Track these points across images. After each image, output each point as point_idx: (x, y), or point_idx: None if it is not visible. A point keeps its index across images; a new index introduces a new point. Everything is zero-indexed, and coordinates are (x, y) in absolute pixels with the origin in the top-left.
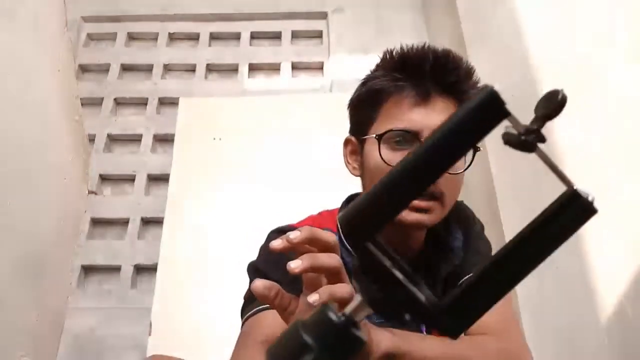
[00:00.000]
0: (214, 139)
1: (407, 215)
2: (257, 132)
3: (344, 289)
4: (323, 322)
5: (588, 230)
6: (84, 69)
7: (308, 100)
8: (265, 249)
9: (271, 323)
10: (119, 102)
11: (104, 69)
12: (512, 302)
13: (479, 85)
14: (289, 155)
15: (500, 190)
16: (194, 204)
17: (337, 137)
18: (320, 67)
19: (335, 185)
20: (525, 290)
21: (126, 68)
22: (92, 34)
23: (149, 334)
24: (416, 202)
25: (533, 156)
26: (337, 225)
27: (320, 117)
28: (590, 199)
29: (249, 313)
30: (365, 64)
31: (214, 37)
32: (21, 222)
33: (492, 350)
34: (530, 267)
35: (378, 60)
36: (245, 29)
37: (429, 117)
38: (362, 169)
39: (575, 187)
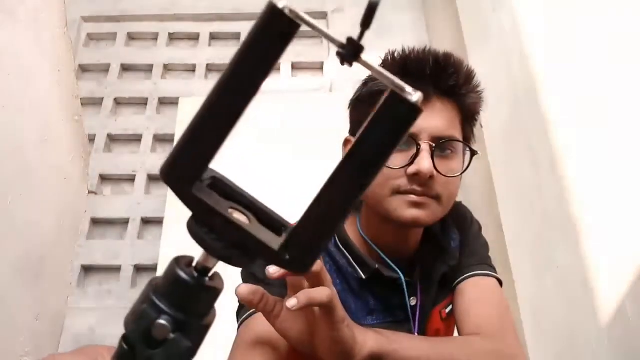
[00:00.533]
0: None
1: (405, 212)
2: (257, 132)
3: (323, 292)
4: (174, 281)
5: (588, 230)
6: (84, 69)
7: (308, 100)
8: None
9: (264, 324)
10: (119, 102)
11: (104, 69)
12: (512, 302)
13: (479, 88)
14: (288, 155)
15: (500, 191)
16: None
17: (336, 137)
18: (320, 67)
19: None
20: (525, 290)
21: (126, 68)
22: (92, 34)
23: None
24: (413, 197)
25: (533, 156)
26: None
27: (320, 117)
28: (413, 99)
29: (243, 317)
30: None
31: (214, 37)
32: (21, 222)
33: (483, 351)
34: (364, 180)
35: (379, 61)
36: (245, 29)
37: (429, 119)
38: None
39: (397, 89)
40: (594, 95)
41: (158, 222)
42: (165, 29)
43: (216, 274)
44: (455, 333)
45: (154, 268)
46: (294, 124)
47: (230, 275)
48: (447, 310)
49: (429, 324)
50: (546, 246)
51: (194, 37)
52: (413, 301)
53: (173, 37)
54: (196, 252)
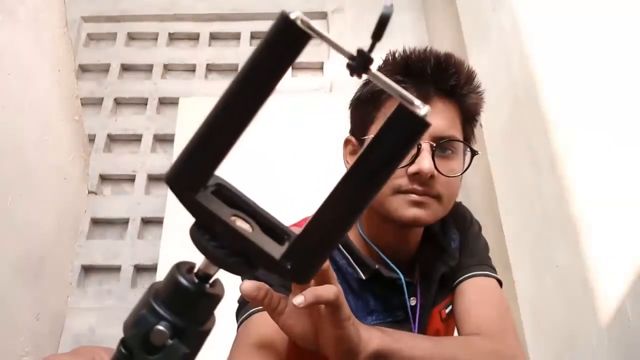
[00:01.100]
0: None
1: (405, 211)
2: (256, 132)
3: (330, 290)
4: (174, 287)
5: (588, 230)
6: (84, 69)
7: (308, 100)
8: None
9: (263, 325)
10: (119, 102)
11: (104, 69)
12: (512, 302)
13: (480, 89)
14: (288, 155)
15: (500, 191)
16: None
17: (336, 137)
18: (320, 67)
19: None
20: (525, 290)
21: (126, 68)
22: (92, 34)
23: None
24: (414, 197)
25: (533, 157)
26: None
27: (320, 117)
28: (422, 112)
29: (243, 316)
30: None
31: (214, 37)
32: (21, 222)
33: (484, 351)
34: (370, 191)
35: (380, 61)
36: (245, 29)
37: (430, 119)
38: None
39: (405, 103)
40: (594, 95)
41: (158, 222)
42: (165, 29)
43: (217, 281)
44: (455, 333)
45: (154, 268)
46: (294, 124)
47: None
48: (447, 310)
49: (428, 324)
50: (546, 246)
51: (194, 37)
52: (413, 301)
53: (173, 37)
54: (196, 252)
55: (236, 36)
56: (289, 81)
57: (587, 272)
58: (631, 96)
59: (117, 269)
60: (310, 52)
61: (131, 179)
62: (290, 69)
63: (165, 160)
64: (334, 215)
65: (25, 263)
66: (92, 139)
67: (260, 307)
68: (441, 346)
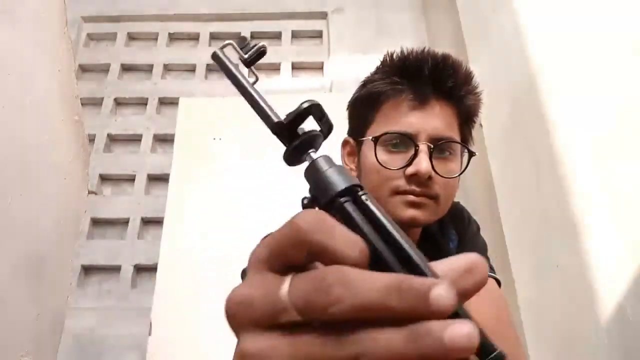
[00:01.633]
0: (214, 139)
1: (403, 212)
2: (257, 132)
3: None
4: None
5: (588, 230)
6: (84, 69)
7: None
8: None
9: None
10: (119, 102)
11: (104, 69)
12: (512, 302)
13: (477, 90)
14: None
15: (500, 191)
16: (194, 204)
17: (336, 137)
18: (320, 67)
19: None
20: (525, 290)
21: (126, 68)
22: (92, 34)
23: (149, 334)
24: (411, 198)
25: (533, 157)
26: None
27: None
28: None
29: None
30: (365, 64)
31: (214, 37)
32: (21, 222)
33: None
34: None
35: (378, 62)
36: (245, 29)
37: (426, 120)
38: (359, 170)
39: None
40: (594, 95)
41: (158, 222)
42: (165, 29)
43: None
44: None
45: (154, 268)
46: None
47: (230, 275)
48: None
49: None
50: (546, 246)
51: (194, 37)
52: None
53: (173, 37)
54: (196, 252)
55: (236, 36)
56: (289, 81)
57: (587, 272)
58: (631, 96)
59: (117, 269)
60: (310, 52)
61: (131, 179)
62: (290, 69)
63: (165, 160)
64: None
65: (25, 263)
66: (92, 139)
67: None
68: None
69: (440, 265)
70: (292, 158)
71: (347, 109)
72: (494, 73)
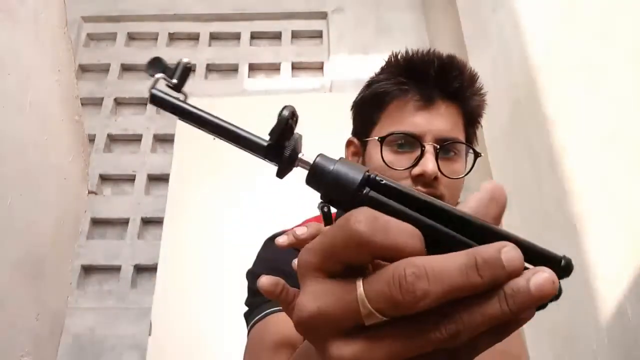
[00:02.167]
0: (214, 139)
1: None
2: (257, 132)
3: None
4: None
5: (588, 230)
6: (84, 69)
7: (308, 100)
8: (261, 256)
9: (284, 324)
10: (119, 102)
11: (104, 69)
12: None
13: (482, 91)
14: None
15: None
16: (194, 204)
17: (337, 137)
18: (320, 67)
19: None
20: None
21: (126, 68)
22: (92, 34)
23: (149, 334)
24: None
25: (533, 157)
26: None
27: (320, 117)
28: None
29: (257, 318)
30: (365, 64)
31: (214, 37)
32: (21, 222)
33: (490, 351)
34: None
35: (378, 62)
36: (245, 29)
37: (432, 121)
38: None
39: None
40: (594, 95)
41: (158, 222)
42: (165, 29)
43: None
44: None
45: (154, 268)
46: None
47: (230, 275)
48: None
49: None
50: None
51: (194, 37)
52: None
53: (173, 37)
54: (196, 252)
55: (236, 36)
56: (289, 81)
57: (587, 272)
58: (631, 96)
59: (117, 269)
60: (310, 52)
61: (131, 179)
62: (290, 69)
63: (165, 160)
64: None
65: (25, 263)
66: (92, 139)
67: (276, 308)
68: None
69: (469, 204)
70: (286, 172)
71: (352, 109)
72: (494, 73)
